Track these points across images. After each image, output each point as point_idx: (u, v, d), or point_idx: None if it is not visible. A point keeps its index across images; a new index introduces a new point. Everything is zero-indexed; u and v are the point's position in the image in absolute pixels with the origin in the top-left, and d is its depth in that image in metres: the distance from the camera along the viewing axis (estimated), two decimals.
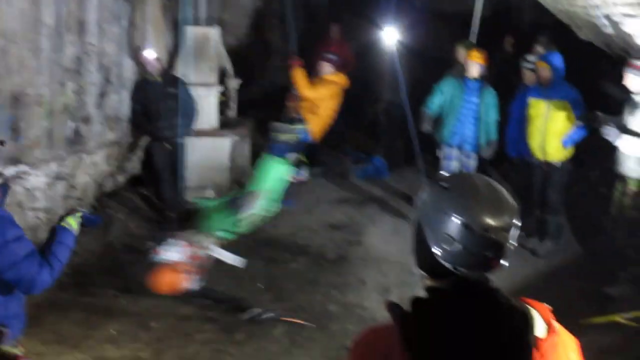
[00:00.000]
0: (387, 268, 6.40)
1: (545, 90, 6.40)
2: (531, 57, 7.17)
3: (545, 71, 6.37)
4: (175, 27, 8.32)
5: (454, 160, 7.24)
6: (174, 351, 4.85)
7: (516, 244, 1.66)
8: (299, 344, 4.98)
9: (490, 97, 7.06)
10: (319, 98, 8.06)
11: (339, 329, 5.23)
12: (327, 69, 8.14)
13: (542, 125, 6.43)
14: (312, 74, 8.21)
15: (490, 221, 1.58)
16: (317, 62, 8.27)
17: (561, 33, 7.46)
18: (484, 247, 1.59)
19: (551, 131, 6.41)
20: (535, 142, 6.56)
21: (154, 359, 4.73)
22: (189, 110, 7.36)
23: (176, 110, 7.13)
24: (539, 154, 6.57)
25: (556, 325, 1.64)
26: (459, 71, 7.28)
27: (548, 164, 6.55)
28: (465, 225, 1.58)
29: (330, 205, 8.13)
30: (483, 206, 1.60)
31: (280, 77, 11.37)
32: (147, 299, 5.52)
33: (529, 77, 7.09)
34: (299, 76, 7.97)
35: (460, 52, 7.86)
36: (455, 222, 1.59)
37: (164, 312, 5.42)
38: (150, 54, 7.15)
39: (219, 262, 5.48)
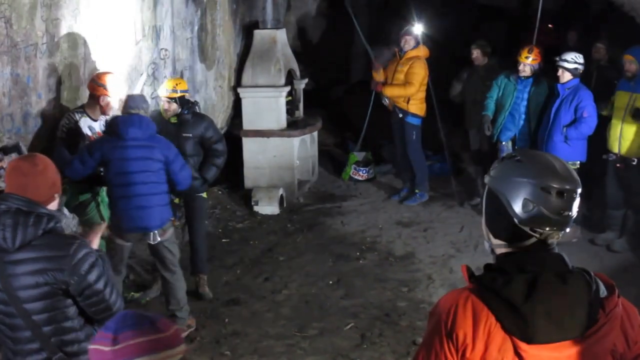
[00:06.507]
0: (454, 264, 6.45)
1: (632, 83, 6.31)
2: (568, 56, 6.59)
3: (631, 64, 6.28)
4: (244, 31, 8.57)
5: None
6: (249, 345, 5.06)
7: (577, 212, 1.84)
8: (369, 340, 5.10)
9: (541, 94, 6.98)
10: (418, 82, 7.80)
11: (408, 325, 5.33)
12: (411, 43, 7.85)
13: (622, 117, 6.34)
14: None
15: (564, 184, 1.78)
16: (400, 39, 7.94)
17: (624, 24, 7.33)
18: (561, 207, 1.78)
19: (629, 124, 6.30)
20: (613, 134, 6.44)
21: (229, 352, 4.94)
22: (214, 156, 5.82)
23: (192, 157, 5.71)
24: (614, 147, 6.45)
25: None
26: (511, 70, 7.19)
27: (623, 159, 6.42)
28: (543, 188, 1.77)
29: (396, 202, 8.25)
30: (556, 173, 1.80)
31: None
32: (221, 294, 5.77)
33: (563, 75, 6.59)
34: (396, 92, 7.88)
35: (474, 53, 7.96)
36: (533, 187, 1.78)
37: (239, 308, 5.64)
38: (163, 92, 5.75)
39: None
